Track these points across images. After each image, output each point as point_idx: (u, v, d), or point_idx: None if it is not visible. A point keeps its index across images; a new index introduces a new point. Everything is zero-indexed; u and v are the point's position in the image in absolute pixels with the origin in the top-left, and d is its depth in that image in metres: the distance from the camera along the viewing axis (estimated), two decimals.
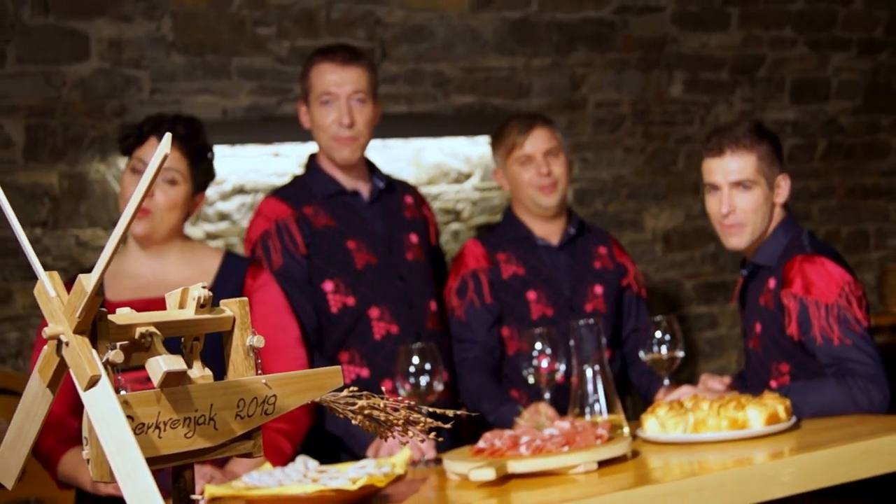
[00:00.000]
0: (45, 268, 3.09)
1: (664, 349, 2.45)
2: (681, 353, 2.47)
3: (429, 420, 1.01)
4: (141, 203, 0.76)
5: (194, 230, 3.84)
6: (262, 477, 1.87)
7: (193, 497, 0.85)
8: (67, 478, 2.29)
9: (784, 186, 2.64)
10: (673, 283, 4.67)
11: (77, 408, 2.41)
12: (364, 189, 2.81)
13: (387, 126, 3.97)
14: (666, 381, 2.49)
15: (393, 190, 2.88)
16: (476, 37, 4.30)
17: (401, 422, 0.98)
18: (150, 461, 0.78)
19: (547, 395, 2.43)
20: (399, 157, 4.13)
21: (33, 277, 3.41)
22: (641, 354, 2.50)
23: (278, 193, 2.80)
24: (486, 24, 4.32)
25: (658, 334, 2.47)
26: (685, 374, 4.62)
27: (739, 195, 2.58)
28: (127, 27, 3.76)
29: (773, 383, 2.60)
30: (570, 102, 4.47)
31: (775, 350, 2.55)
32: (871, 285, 5.01)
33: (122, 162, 3.62)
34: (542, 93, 4.42)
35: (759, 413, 2.10)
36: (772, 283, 2.57)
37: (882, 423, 2.15)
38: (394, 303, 2.70)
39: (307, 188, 2.76)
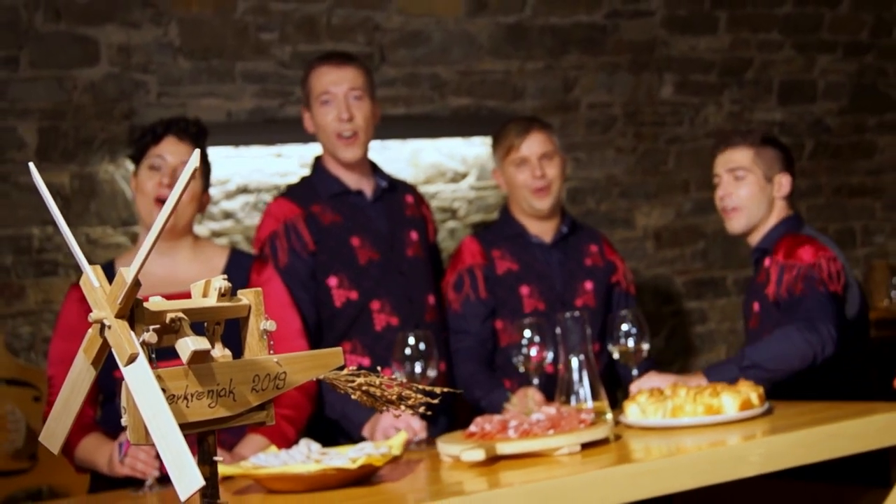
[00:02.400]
0: (56, 264, 3.22)
1: (631, 341, 2.59)
2: (646, 346, 2.60)
3: (419, 396, 1.15)
4: (178, 202, 0.90)
5: (200, 228, 3.98)
6: (268, 458, 2.01)
7: (216, 458, 1.00)
8: (84, 462, 2.43)
9: (785, 184, 2.90)
10: (664, 280, 4.79)
11: (93, 398, 2.55)
12: (367, 188, 2.93)
13: (385, 127, 4.09)
14: (634, 371, 2.62)
15: (394, 189, 3.01)
16: (471, 41, 4.43)
17: (394, 397, 1.13)
18: (179, 427, 0.92)
19: (535, 381, 2.57)
20: (397, 158, 4.25)
21: (45, 274, 3.55)
22: (609, 346, 2.64)
23: (287, 194, 2.92)
24: (481, 29, 4.45)
25: (624, 327, 2.60)
26: (675, 367, 4.75)
27: (734, 182, 2.90)
28: (135, 33, 3.89)
29: None
30: (563, 104, 4.60)
31: (769, 322, 2.74)
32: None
33: (130, 163, 3.76)
34: (536, 95, 4.54)
35: (733, 399, 2.24)
36: (767, 261, 2.82)
37: (847, 408, 2.28)
38: (394, 297, 2.83)
39: (313, 188, 2.88)
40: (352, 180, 2.91)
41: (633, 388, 2.50)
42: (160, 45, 3.92)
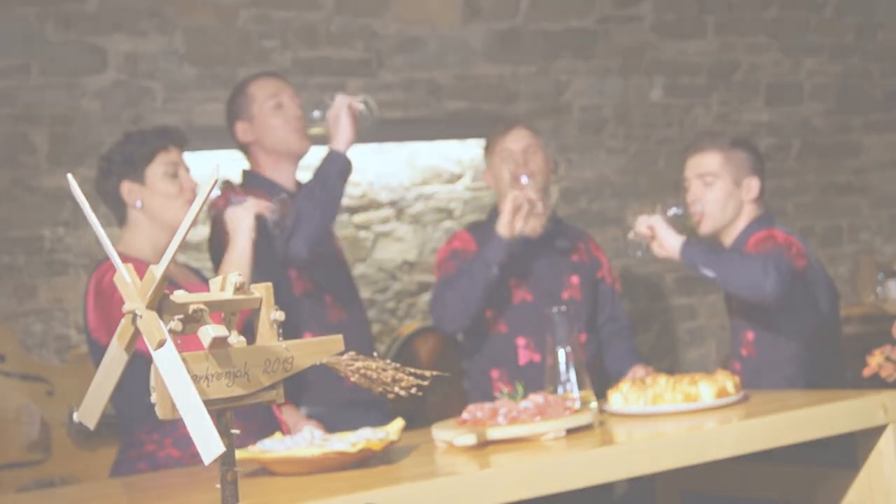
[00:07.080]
0: (67, 264, 3.35)
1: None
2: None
3: (411, 378, 1.29)
4: (202, 207, 1.04)
5: (205, 228, 4.11)
6: (273, 444, 2.14)
7: (233, 431, 1.14)
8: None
9: (754, 187, 2.96)
10: (655, 277, 4.92)
11: None
12: (295, 189, 3.10)
13: (383, 131, 4.21)
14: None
15: None
16: (466, 46, 4.55)
17: (388, 379, 1.27)
18: None
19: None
20: (395, 160, 4.38)
21: (56, 274, 3.70)
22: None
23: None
24: (475, 35, 4.57)
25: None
26: (666, 362, 4.89)
27: (703, 188, 2.97)
28: (142, 42, 4.03)
29: (743, 351, 2.92)
30: (556, 107, 4.73)
31: (748, 316, 2.88)
32: (844, 278, 5.25)
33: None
34: (529, 98, 4.67)
35: (710, 388, 2.38)
36: None
37: (816, 396, 2.42)
38: (341, 290, 3.04)
39: (264, 193, 2.94)
40: (287, 183, 3.06)
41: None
42: (166, 53, 4.06)
